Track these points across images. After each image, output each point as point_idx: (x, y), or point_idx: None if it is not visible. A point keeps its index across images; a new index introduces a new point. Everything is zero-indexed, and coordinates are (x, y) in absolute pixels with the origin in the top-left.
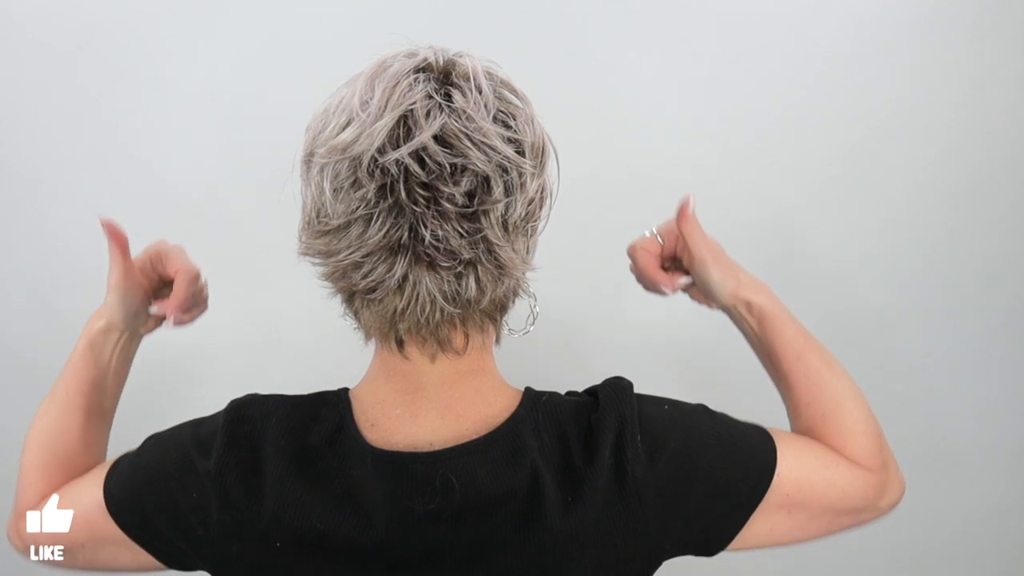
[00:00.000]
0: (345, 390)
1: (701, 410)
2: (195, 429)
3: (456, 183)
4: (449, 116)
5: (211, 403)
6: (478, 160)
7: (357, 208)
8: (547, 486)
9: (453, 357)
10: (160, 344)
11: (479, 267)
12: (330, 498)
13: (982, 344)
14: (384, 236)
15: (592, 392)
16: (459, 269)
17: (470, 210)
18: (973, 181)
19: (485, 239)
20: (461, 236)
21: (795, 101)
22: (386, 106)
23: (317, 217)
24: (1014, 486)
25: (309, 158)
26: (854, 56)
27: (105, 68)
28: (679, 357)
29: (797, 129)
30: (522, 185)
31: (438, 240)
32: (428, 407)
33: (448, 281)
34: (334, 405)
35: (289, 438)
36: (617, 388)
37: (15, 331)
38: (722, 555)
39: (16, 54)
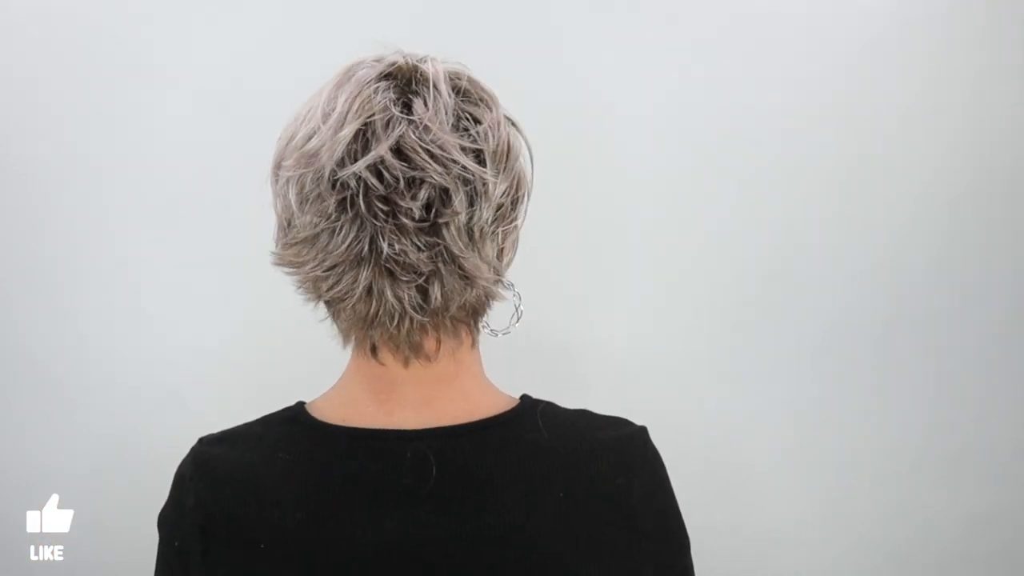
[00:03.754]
0: (299, 403)
1: (688, 546)
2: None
3: (413, 197)
4: (407, 128)
5: (212, 402)
6: (435, 173)
7: (320, 221)
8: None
9: (426, 362)
10: (161, 343)
11: (443, 278)
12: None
13: (982, 344)
14: (347, 249)
15: (612, 423)
16: (419, 281)
17: (428, 223)
18: (975, 182)
19: (447, 251)
20: (419, 250)
21: (797, 101)
22: (346, 117)
23: (288, 227)
24: (1014, 486)
25: (277, 168)
26: (859, 56)
27: (103, 68)
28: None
29: (799, 130)
30: (485, 193)
31: (396, 254)
32: (404, 405)
33: (410, 293)
34: (281, 419)
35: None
36: (643, 441)
37: (15, 331)
38: (722, 554)
39: (14, 54)
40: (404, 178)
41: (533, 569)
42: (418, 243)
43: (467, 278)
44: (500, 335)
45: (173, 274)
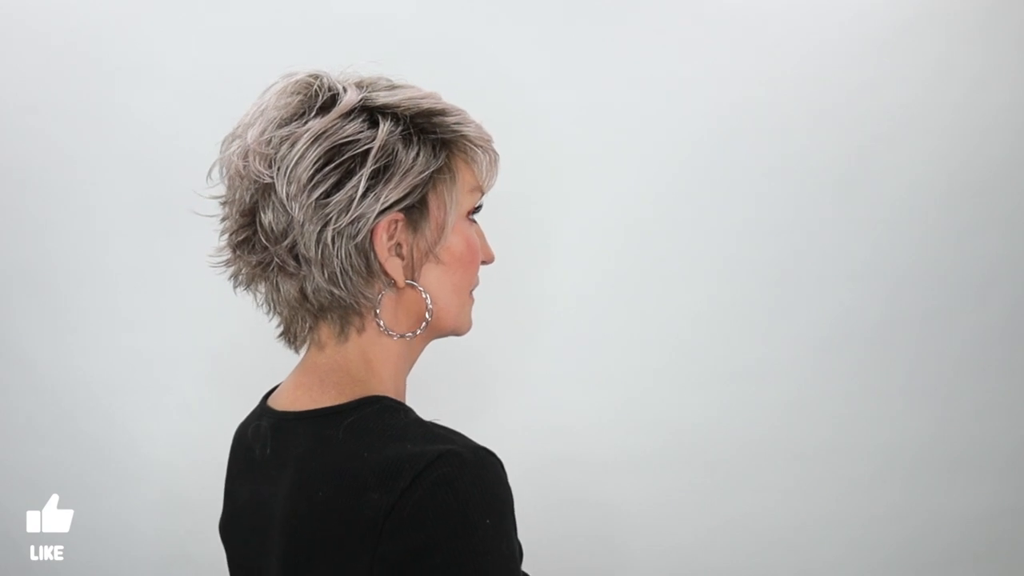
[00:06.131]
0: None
1: None
2: None
3: (234, 195)
4: (245, 132)
5: (212, 402)
6: (237, 176)
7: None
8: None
9: (315, 350)
10: (160, 344)
11: (272, 269)
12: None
13: (982, 344)
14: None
15: (438, 442)
16: (257, 269)
17: (247, 218)
18: (973, 182)
19: (261, 242)
20: (248, 240)
21: (795, 101)
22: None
23: None
24: (1014, 486)
25: None
26: (856, 56)
27: (102, 68)
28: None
29: (796, 129)
30: (273, 192)
31: (238, 244)
32: (286, 387)
33: (255, 278)
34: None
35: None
36: (461, 466)
37: (15, 333)
38: (726, 554)
39: (12, 54)
40: (232, 179)
41: (299, 553)
42: (246, 235)
43: (286, 272)
44: (396, 337)
45: (172, 275)
